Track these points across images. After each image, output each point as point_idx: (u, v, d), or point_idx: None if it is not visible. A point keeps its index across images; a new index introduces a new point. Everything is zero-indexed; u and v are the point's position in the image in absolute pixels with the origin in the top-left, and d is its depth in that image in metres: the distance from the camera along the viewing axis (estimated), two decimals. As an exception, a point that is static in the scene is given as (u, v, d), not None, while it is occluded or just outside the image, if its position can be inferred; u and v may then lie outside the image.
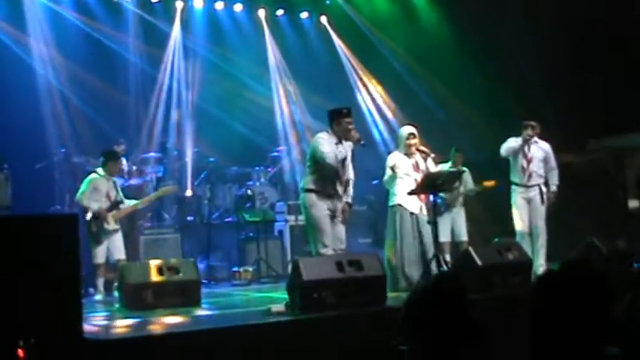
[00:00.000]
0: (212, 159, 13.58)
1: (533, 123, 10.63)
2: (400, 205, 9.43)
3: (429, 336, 3.03)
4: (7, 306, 5.71)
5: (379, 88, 15.21)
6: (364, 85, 15.33)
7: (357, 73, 15.34)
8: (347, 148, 8.84)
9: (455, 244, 11.63)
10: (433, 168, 9.69)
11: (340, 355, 6.73)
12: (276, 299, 8.66)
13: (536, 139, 10.69)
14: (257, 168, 13.62)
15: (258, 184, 13.40)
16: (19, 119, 11.67)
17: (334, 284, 7.78)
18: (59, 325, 5.88)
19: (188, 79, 13.93)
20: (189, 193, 13.04)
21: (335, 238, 8.73)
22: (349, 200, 9.06)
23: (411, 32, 14.97)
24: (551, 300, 2.90)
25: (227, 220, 13.29)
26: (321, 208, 8.68)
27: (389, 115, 15.04)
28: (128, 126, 13.26)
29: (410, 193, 9.35)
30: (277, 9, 15.22)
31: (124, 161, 12.26)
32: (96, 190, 10.44)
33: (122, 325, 7.80)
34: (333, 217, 8.77)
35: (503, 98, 13.70)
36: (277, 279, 11.64)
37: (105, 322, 7.96)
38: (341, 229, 8.88)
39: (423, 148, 9.60)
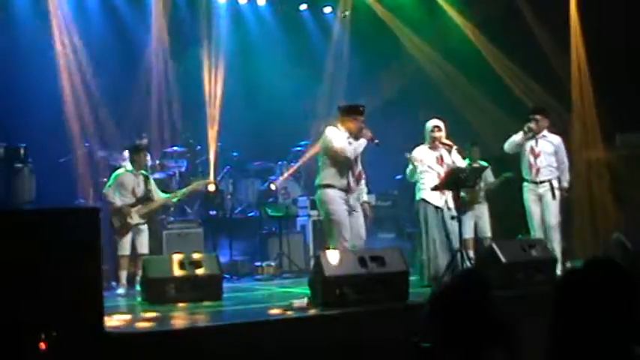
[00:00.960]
0: (235, 153, 13.58)
1: (538, 116, 10.28)
2: (424, 199, 9.41)
3: (452, 333, 2.98)
4: (29, 299, 5.72)
5: (403, 83, 15.11)
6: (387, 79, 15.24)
7: (380, 68, 15.24)
8: (361, 144, 8.79)
9: (479, 240, 11.52)
10: (459, 160, 9.64)
11: (362, 351, 6.69)
12: (298, 294, 8.62)
13: (545, 132, 10.36)
14: (280, 163, 13.58)
15: (280, 178, 13.38)
16: (43, 114, 11.70)
17: (356, 280, 7.75)
18: (80, 318, 5.90)
19: (211, 72, 13.89)
20: (212, 187, 13.02)
21: (354, 233, 8.68)
22: (366, 198, 9.06)
23: (435, 26, 14.87)
24: (575, 298, 2.85)
25: (249, 214, 13.29)
26: (340, 202, 8.65)
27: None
28: (151, 120, 13.25)
29: (433, 189, 9.30)
30: (300, 3, 15.17)
31: (147, 155, 12.28)
32: (122, 185, 10.46)
33: (143, 319, 7.80)
34: (350, 211, 8.73)
35: (527, 91, 13.60)
36: (299, 274, 11.60)
37: (126, 316, 7.96)
38: (360, 224, 8.84)
39: (446, 140, 9.56)
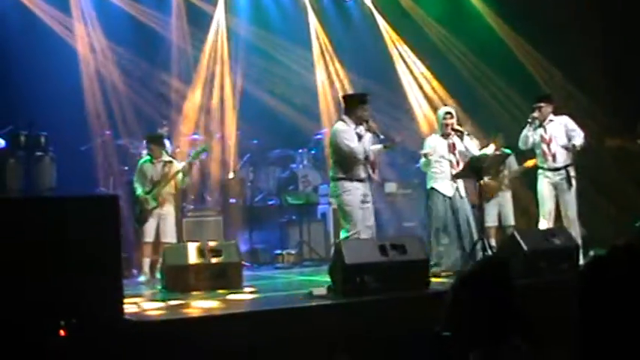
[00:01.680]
0: (255, 141, 13.55)
1: (541, 104, 10.13)
2: (433, 188, 9.39)
3: (474, 322, 2.93)
4: (49, 286, 5.73)
5: (424, 71, 15.01)
6: (409, 67, 15.14)
7: (402, 56, 15.15)
8: (368, 139, 8.76)
9: (502, 228, 11.43)
10: (472, 146, 9.57)
11: (382, 339, 6.65)
12: (319, 282, 8.60)
13: (551, 117, 10.19)
14: (300, 150, 13.54)
15: (301, 166, 13.33)
16: (64, 102, 11.71)
17: (377, 268, 7.71)
18: (100, 305, 5.91)
19: (231, 62, 13.86)
20: (231, 175, 13.01)
21: (364, 224, 8.63)
22: None
23: (457, 14, 14.76)
24: (599, 286, 2.79)
25: (270, 202, 13.27)
26: (355, 193, 8.60)
27: (434, 97, 14.84)
28: (171, 108, 13.25)
29: (454, 177, 9.25)
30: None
31: (167, 143, 12.28)
32: (143, 174, 10.71)
33: (163, 306, 7.80)
34: (365, 201, 8.68)
35: (549, 79, 13.48)
36: (320, 262, 11.59)
37: (146, 304, 7.96)
38: (371, 213, 8.80)
39: (458, 127, 9.51)
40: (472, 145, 9.58)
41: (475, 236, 9.33)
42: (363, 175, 8.71)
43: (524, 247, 8.56)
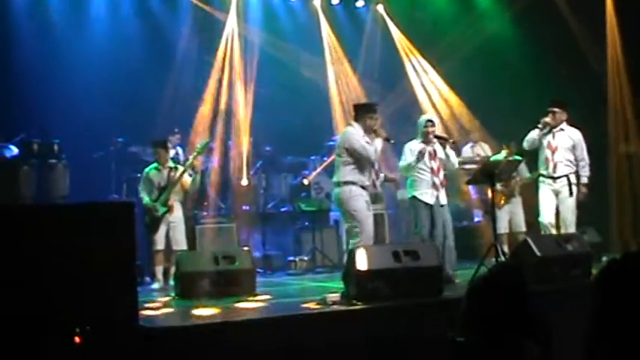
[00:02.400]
0: (268, 148, 13.57)
1: (555, 109, 10.07)
2: (415, 197, 9.32)
3: (489, 327, 2.95)
4: (65, 293, 5.76)
5: (436, 78, 15.01)
6: (420, 74, 15.13)
7: (414, 63, 15.14)
8: (379, 144, 8.76)
9: (513, 235, 11.40)
10: (453, 155, 9.50)
11: (395, 346, 6.66)
12: (332, 289, 8.60)
13: (564, 126, 10.15)
14: (312, 157, 13.55)
15: (313, 173, 13.34)
16: (77, 110, 11.78)
17: (390, 274, 7.72)
18: (114, 312, 5.93)
19: (243, 68, 13.90)
20: (244, 182, 13.03)
21: (369, 230, 8.62)
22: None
23: (469, 20, 14.75)
24: (612, 293, 2.80)
25: (282, 209, 13.28)
26: (361, 199, 8.60)
27: (446, 104, 14.83)
28: (183, 115, 13.30)
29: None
30: (333, -2, 15.13)
31: (179, 150, 12.33)
32: (150, 182, 10.71)
33: (177, 313, 7.83)
34: (369, 208, 8.69)
35: (563, 85, 13.45)
36: (332, 268, 11.58)
37: (160, 311, 7.99)
38: (372, 221, 8.78)
39: (440, 134, 9.48)
40: (453, 155, 9.50)
41: (452, 244, 9.31)
42: (367, 182, 8.74)
43: (537, 253, 8.56)
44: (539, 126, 10.08)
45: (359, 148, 8.59)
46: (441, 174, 9.38)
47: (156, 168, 10.76)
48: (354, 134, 8.71)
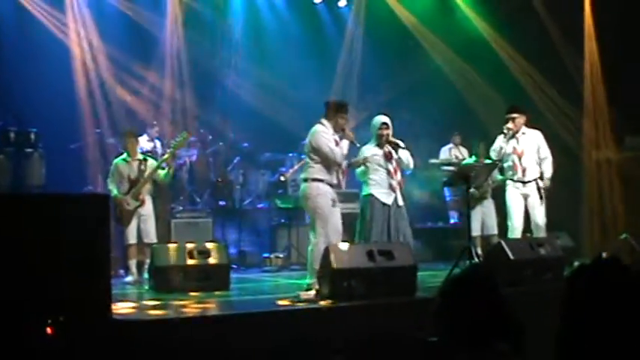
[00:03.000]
0: (246, 144, 13.56)
1: (514, 115, 10.12)
2: (372, 194, 9.22)
3: (460, 328, 2.98)
4: (37, 284, 5.73)
5: (415, 78, 15.08)
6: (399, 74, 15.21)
7: (393, 62, 15.20)
8: (345, 145, 8.73)
9: (485, 237, 11.45)
10: (406, 157, 9.27)
11: (368, 344, 6.69)
12: (306, 286, 8.61)
13: (524, 129, 10.20)
14: (290, 154, 13.55)
15: (290, 170, 13.34)
16: (55, 100, 11.71)
17: (364, 273, 7.76)
18: (88, 304, 5.91)
19: (225, 65, 13.89)
20: (221, 177, 13.02)
21: (334, 228, 8.60)
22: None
23: (450, 23, 14.84)
24: (582, 297, 2.84)
25: (259, 205, 13.28)
26: (326, 196, 8.57)
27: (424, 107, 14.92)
28: (163, 109, 13.27)
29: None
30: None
31: (157, 143, 12.30)
32: (119, 174, 10.50)
33: (150, 306, 7.81)
34: (334, 205, 8.66)
35: (538, 90, 13.58)
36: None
37: (134, 304, 7.98)
38: (338, 217, 8.75)
39: (393, 139, 9.31)
40: (406, 155, 9.26)
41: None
42: (334, 180, 8.71)
43: (511, 256, 8.63)
44: (505, 132, 10.10)
45: (326, 151, 8.54)
46: (399, 175, 9.23)
47: (124, 159, 10.56)
48: (323, 134, 8.66)
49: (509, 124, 10.10)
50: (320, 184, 8.57)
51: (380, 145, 9.28)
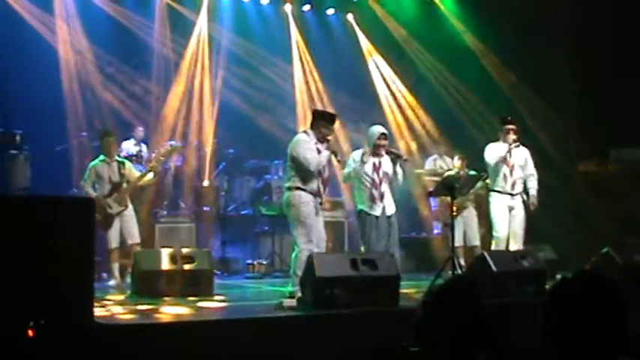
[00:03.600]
0: (231, 150, 13.55)
1: (514, 127, 10.13)
2: (362, 210, 9.16)
3: (441, 338, 3.00)
4: (19, 286, 5.71)
5: (403, 88, 15.13)
6: (386, 83, 15.26)
7: (382, 72, 15.26)
8: (326, 155, 8.63)
9: (468, 248, 11.47)
10: (401, 174, 9.21)
11: (350, 353, 6.70)
12: (289, 294, 8.61)
13: (517, 143, 10.20)
14: (276, 161, 13.55)
15: (276, 177, 13.34)
16: (41, 101, 11.67)
17: (347, 282, 7.77)
18: (70, 308, 5.89)
19: (211, 70, 13.90)
20: (206, 183, 13.02)
21: (319, 236, 8.59)
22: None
23: (437, 33, 14.91)
24: (563, 310, 2.87)
25: (243, 212, 13.27)
26: (309, 205, 8.55)
27: (411, 114, 14.97)
28: (149, 113, 13.27)
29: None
30: (304, 4, 15.16)
31: (144, 147, 12.28)
32: (98, 176, 10.30)
33: (132, 311, 7.80)
34: (317, 214, 8.65)
35: (523, 100, 13.66)
36: (290, 274, 11.59)
37: (116, 308, 7.96)
38: (322, 225, 8.76)
39: (394, 150, 9.31)
40: (401, 173, 9.20)
41: (396, 255, 9.01)
42: (316, 189, 8.68)
43: (493, 268, 8.66)
44: (511, 143, 10.07)
45: (301, 159, 8.49)
46: (383, 186, 9.10)
47: (102, 160, 10.35)
48: (303, 143, 8.61)
49: (513, 135, 10.10)
50: (302, 193, 8.54)
51: (373, 154, 9.25)
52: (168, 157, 11.12)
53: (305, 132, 8.81)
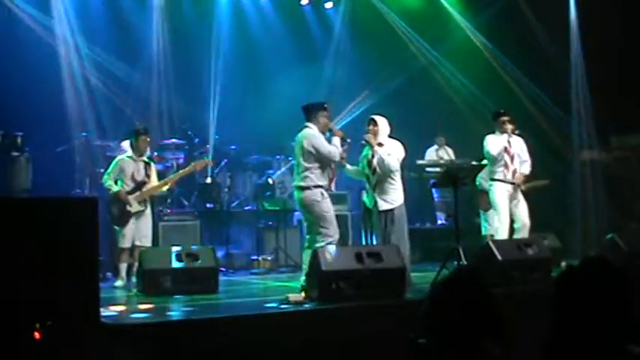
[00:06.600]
0: (233, 147, 13.55)
1: (509, 117, 10.19)
2: (364, 202, 9.25)
3: (448, 328, 2.99)
4: (25, 289, 5.71)
5: (402, 80, 15.10)
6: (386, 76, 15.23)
7: (380, 64, 15.22)
8: (338, 144, 8.73)
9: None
10: (380, 159, 8.99)
11: (357, 346, 6.70)
12: (294, 288, 8.63)
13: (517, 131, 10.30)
14: (277, 157, 13.55)
15: (278, 172, 13.35)
16: (41, 102, 11.66)
17: (353, 275, 7.76)
18: (76, 308, 5.89)
19: (211, 67, 13.87)
20: (209, 180, 13.00)
21: (337, 230, 8.62)
22: None
23: (437, 25, 14.88)
24: (570, 297, 2.87)
25: (246, 208, 13.27)
26: (328, 201, 8.58)
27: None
28: (150, 111, 13.26)
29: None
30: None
31: (147, 140, 12.26)
32: (122, 171, 10.22)
33: (139, 310, 7.80)
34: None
35: (525, 91, 13.65)
36: (295, 268, 11.56)
37: (122, 307, 7.96)
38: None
39: (366, 138, 9.04)
40: (383, 159, 8.97)
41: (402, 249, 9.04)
42: (327, 182, 8.69)
43: (499, 257, 8.66)
44: (510, 132, 10.14)
45: (325, 152, 8.53)
46: (373, 179, 8.99)
47: (130, 157, 10.31)
48: (318, 136, 8.65)
49: (510, 125, 10.16)
50: (321, 190, 8.54)
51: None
52: (190, 173, 11.21)
53: (308, 127, 8.77)
